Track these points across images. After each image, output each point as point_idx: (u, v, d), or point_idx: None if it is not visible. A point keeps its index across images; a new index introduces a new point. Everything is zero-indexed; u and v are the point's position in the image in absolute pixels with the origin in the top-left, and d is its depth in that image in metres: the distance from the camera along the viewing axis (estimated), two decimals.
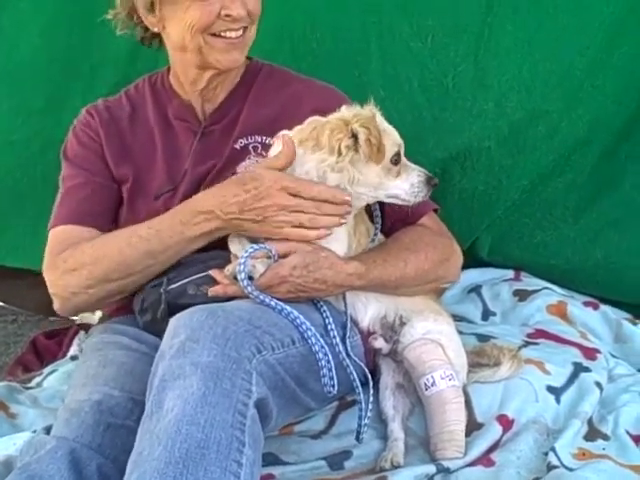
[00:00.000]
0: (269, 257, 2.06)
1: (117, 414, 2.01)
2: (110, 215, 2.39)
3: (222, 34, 2.27)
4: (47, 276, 2.32)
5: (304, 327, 2.00)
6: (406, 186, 2.11)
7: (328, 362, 1.99)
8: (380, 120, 2.13)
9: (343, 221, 2.10)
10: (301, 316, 2.01)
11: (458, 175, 2.93)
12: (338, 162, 2.06)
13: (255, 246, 2.05)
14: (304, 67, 2.64)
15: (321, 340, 2.01)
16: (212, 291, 2.09)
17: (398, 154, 2.11)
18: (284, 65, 2.57)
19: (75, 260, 2.25)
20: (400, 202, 2.15)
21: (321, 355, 1.99)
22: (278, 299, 2.03)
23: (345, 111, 2.13)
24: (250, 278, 2.02)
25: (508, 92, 2.81)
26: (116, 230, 2.30)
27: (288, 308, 2.01)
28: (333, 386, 1.99)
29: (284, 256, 2.06)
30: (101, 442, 1.95)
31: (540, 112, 2.82)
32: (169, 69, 2.50)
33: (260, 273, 2.04)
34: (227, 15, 2.23)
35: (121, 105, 2.50)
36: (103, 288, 2.25)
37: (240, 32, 2.29)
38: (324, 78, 2.53)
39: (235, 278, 2.04)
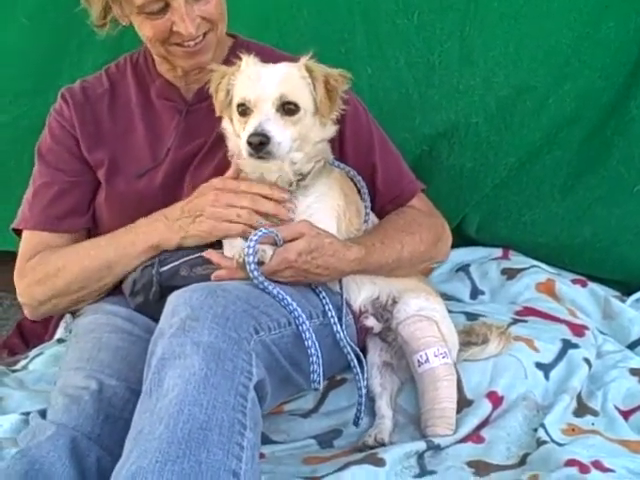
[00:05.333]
0: (275, 243, 2.03)
1: (115, 404, 1.99)
2: (82, 210, 2.40)
3: (180, 44, 2.24)
4: (16, 283, 2.39)
5: (300, 320, 1.97)
6: (243, 141, 2.02)
7: (318, 358, 1.96)
8: (250, 70, 2.08)
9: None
10: (299, 309, 1.98)
11: (445, 152, 2.92)
12: None
13: (263, 230, 2.01)
14: (291, 45, 2.59)
15: (313, 336, 1.97)
16: (215, 276, 2.04)
17: (242, 105, 2.04)
18: (271, 44, 2.53)
19: (41, 269, 2.32)
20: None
21: (313, 351, 1.96)
22: (280, 286, 2.00)
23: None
24: (259, 263, 1.98)
25: (495, 68, 2.79)
26: (84, 241, 2.36)
27: (289, 299, 1.98)
28: (319, 382, 1.97)
29: (290, 241, 2.04)
30: (100, 433, 1.93)
31: (527, 87, 2.80)
32: None
33: (270, 257, 2.00)
34: (177, 32, 2.20)
35: (100, 84, 2.46)
36: (65, 299, 2.34)
37: (199, 39, 2.25)
38: None
39: (242, 263, 1.99)
